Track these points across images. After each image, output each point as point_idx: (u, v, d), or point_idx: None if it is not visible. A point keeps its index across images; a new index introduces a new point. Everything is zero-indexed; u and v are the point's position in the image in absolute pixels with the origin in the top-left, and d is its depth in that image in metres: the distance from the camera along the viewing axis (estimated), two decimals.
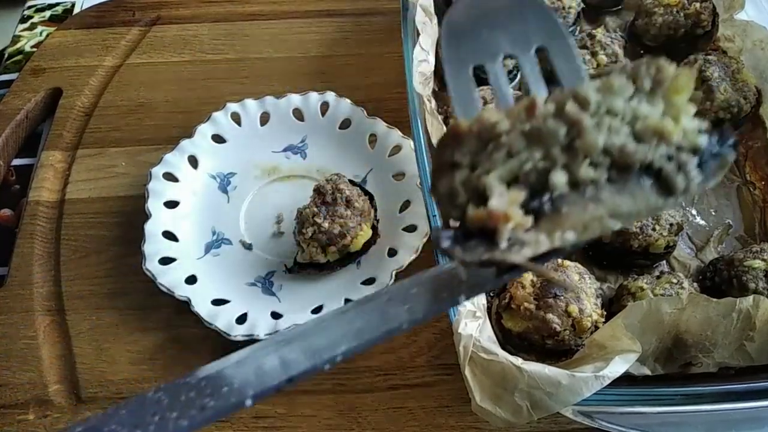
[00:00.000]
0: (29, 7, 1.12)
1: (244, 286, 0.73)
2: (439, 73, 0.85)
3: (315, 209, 0.70)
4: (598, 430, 0.54)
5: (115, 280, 0.75)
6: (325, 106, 0.86)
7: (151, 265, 0.71)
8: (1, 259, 0.79)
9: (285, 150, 0.85)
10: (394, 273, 0.69)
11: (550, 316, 0.59)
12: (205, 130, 0.83)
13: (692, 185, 0.39)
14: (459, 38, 0.47)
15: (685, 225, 0.70)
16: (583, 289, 0.61)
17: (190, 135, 0.82)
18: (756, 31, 0.83)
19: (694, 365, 0.56)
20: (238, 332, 0.67)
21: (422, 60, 0.78)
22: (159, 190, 0.78)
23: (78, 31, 1.04)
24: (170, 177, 0.79)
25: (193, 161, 0.82)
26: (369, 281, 0.71)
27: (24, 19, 1.10)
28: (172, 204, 0.78)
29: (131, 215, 0.79)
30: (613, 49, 0.83)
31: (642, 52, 0.90)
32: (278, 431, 0.65)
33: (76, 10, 1.10)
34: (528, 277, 0.62)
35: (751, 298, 0.52)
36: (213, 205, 0.80)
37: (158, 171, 0.79)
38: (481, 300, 0.60)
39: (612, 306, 0.65)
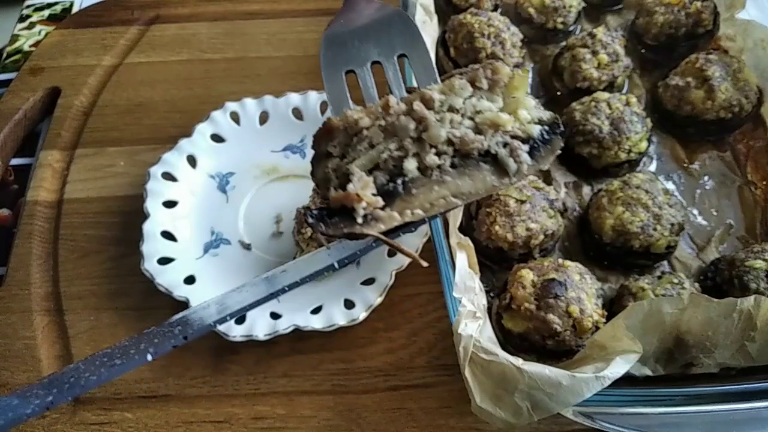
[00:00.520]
0: (28, 6, 1.11)
1: None
2: (439, 73, 0.85)
3: None
4: (598, 430, 0.54)
5: (113, 281, 0.75)
6: (324, 106, 0.85)
7: (150, 265, 0.71)
8: (0, 259, 0.78)
9: (284, 149, 0.85)
10: (393, 273, 0.69)
11: (550, 316, 0.59)
12: (203, 130, 0.83)
13: (523, 167, 0.48)
14: (335, 48, 0.55)
15: (687, 225, 0.70)
16: (584, 290, 0.61)
17: (188, 134, 0.82)
18: (757, 31, 0.83)
19: (695, 366, 0.56)
20: (237, 332, 0.66)
21: None
22: (157, 190, 0.77)
23: (76, 31, 1.03)
24: (169, 177, 0.79)
25: (192, 161, 0.82)
26: (369, 281, 0.70)
27: (23, 18, 1.09)
28: (170, 204, 0.78)
29: (130, 215, 0.79)
30: (613, 47, 0.82)
31: (643, 51, 0.90)
32: None
33: (75, 9, 1.10)
34: (528, 278, 0.61)
35: (752, 298, 0.52)
36: (212, 204, 0.80)
37: (157, 171, 0.79)
38: (481, 300, 0.60)
39: (613, 306, 0.65)
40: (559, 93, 0.87)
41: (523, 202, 0.67)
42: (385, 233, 0.46)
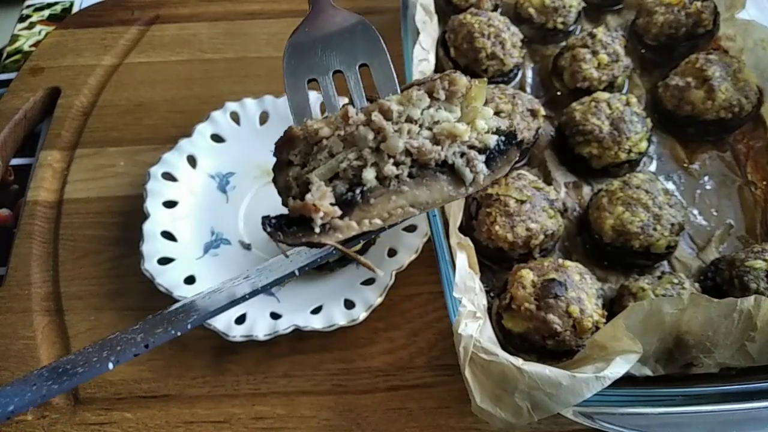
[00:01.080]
0: (28, 6, 1.11)
1: None
2: (438, 72, 0.85)
3: None
4: (598, 430, 0.54)
5: (113, 281, 0.75)
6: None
7: (150, 266, 0.71)
8: (0, 259, 0.78)
9: None
10: (393, 273, 0.69)
11: (550, 316, 0.59)
12: (204, 130, 0.83)
13: (479, 177, 0.48)
14: (298, 56, 0.55)
15: (687, 225, 0.70)
16: (584, 290, 0.61)
17: (188, 134, 0.82)
18: (757, 31, 0.83)
19: (695, 366, 0.56)
20: (237, 332, 0.66)
21: (422, 59, 0.77)
22: (157, 190, 0.77)
23: (76, 31, 1.03)
24: (169, 177, 0.79)
25: (192, 161, 0.82)
26: (368, 281, 0.70)
27: (23, 18, 1.09)
28: (170, 204, 0.78)
29: (130, 215, 0.79)
30: (614, 47, 0.82)
31: (643, 51, 0.90)
32: None
33: (75, 9, 1.10)
34: (528, 278, 0.61)
35: (752, 298, 0.52)
36: (212, 204, 0.80)
37: (157, 171, 0.79)
38: (481, 300, 0.60)
39: (613, 306, 0.65)
40: (559, 93, 0.87)
41: (523, 202, 0.67)
42: (344, 241, 0.46)
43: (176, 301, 0.69)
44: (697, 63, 0.79)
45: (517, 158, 0.51)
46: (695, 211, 0.76)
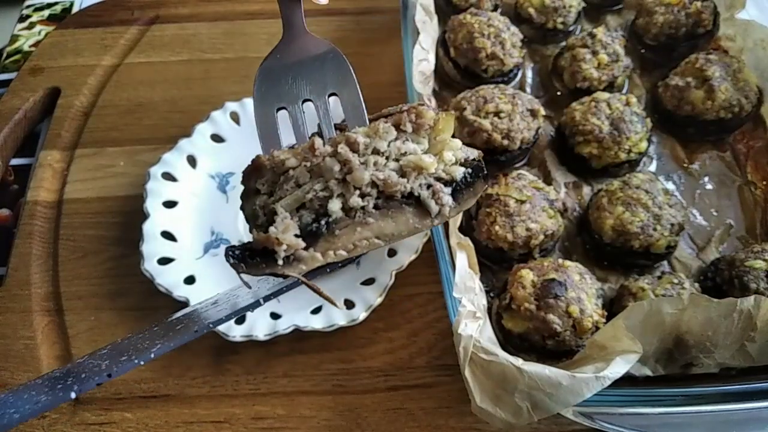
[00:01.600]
0: (28, 6, 1.11)
1: None
2: (439, 73, 0.85)
3: None
4: (598, 430, 0.54)
5: (113, 281, 0.75)
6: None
7: (150, 266, 0.71)
8: (0, 259, 0.78)
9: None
10: (393, 273, 0.69)
11: (550, 316, 0.59)
12: (204, 130, 0.83)
13: (445, 210, 0.48)
14: (269, 83, 0.55)
15: (687, 225, 0.70)
16: (584, 290, 0.61)
17: (188, 134, 0.82)
18: (757, 31, 0.83)
19: (695, 366, 0.56)
20: (237, 333, 0.66)
21: (422, 59, 0.77)
22: (157, 190, 0.77)
23: (76, 31, 1.03)
24: (169, 177, 0.79)
25: (192, 161, 0.82)
26: (369, 281, 0.70)
27: (23, 18, 1.09)
28: (170, 204, 0.78)
29: (130, 215, 0.79)
30: (613, 47, 0.82)
31: (643, 51, 0.90)
32: None
33: (75, 9, 1.10)
34: (528, 278, 0.61)
35: (752, 298, 0.52)
36: (212, 205, 0.80)
37: (157, 171, 0.79)
38: (481, 300, 0.60)
39: (613, 306, 0.65)
40: (559, 93, 0.87)
41: (523, 202, 0.67)
42: (308, 272, 0.47)
43: (176, 301, 0.69)
44: (697, 63, 0.79)
45: (485, 189, 0.52)
46: (695, 211, 0.76)
